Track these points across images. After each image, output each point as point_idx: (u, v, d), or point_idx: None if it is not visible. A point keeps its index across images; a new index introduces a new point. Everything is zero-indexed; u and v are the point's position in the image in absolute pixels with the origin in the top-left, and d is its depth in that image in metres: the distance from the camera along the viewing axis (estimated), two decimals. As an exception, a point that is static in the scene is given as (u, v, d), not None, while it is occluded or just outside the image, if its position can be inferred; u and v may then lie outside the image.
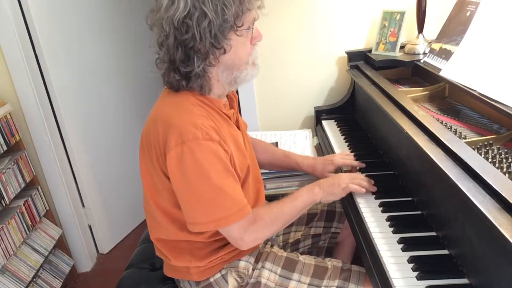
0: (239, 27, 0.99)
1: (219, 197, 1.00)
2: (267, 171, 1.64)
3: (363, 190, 1.20)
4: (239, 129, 1.19)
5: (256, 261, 1.19)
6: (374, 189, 1.22)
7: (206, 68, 1.02)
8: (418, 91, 1.45)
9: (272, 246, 1.26)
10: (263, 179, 1.38)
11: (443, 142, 0.99)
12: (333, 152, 1.58)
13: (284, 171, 1.65)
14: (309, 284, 1.15)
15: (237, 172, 1.07)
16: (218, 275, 1.16)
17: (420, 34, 1.66)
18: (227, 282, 1.15)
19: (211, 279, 1.16)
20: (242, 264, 1.17)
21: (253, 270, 1.18)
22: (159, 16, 0.98)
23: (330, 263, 1.19)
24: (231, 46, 1.01)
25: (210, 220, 1.01)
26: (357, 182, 1.19)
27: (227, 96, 1.18)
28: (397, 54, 1.68)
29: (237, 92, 1.85)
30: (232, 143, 1.08)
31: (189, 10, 0.94)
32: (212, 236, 1.11)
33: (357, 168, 1.38)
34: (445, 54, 1.38)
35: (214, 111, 1.07)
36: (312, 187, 1.17)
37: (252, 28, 1.04)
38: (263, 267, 1.18)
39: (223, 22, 0.96)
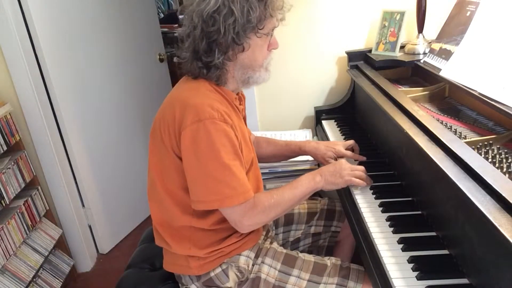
0: (260, 29, 1.07)
1: (227, 176, 1.03)
2: (267, 171, 1.64)
3: (365, 183, 1.21)
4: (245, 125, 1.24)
5: (256, 257, 1.20)
6: (371, 181, 1.24)
7: (225, 62, 1.10)
8: (418, 91, 1.45)
9: (271, 243, 1.27)
10: (263, 179, 1.38)
11: (443, 142, 0.99)
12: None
13: (284, 171, 1.65)
14: (308, 280, 1.16)
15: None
16: (219, 269, 1.17)
17: (420, 34, 1.66)
18: (228, 276, 1.16)
19: (212, 274, 1.17)
20: (242, 259, 1.18)
21: (253, 265, 1.19)
22: (191, 9, 1.07)
23: (329, 261, 1.20)
24: (250, 46, 1.09)
25: (215, 198, 1.04)
26: (359, 175, 1.20)
27: (237, 94, 1.23)
28: (397, 54, 1.68)
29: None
30: (240, 134, 1.12)
31: (219, 7, 1.02)
32: (214, 224, 1.13)
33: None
34: (445, 54, 1.38)
35: (227, 101, 1.13)
36: (313, 175, 1.18)
37: (271, 35, 1.12)
38: (263, 262, 1.19)
39: (246, 22, 1.04)
